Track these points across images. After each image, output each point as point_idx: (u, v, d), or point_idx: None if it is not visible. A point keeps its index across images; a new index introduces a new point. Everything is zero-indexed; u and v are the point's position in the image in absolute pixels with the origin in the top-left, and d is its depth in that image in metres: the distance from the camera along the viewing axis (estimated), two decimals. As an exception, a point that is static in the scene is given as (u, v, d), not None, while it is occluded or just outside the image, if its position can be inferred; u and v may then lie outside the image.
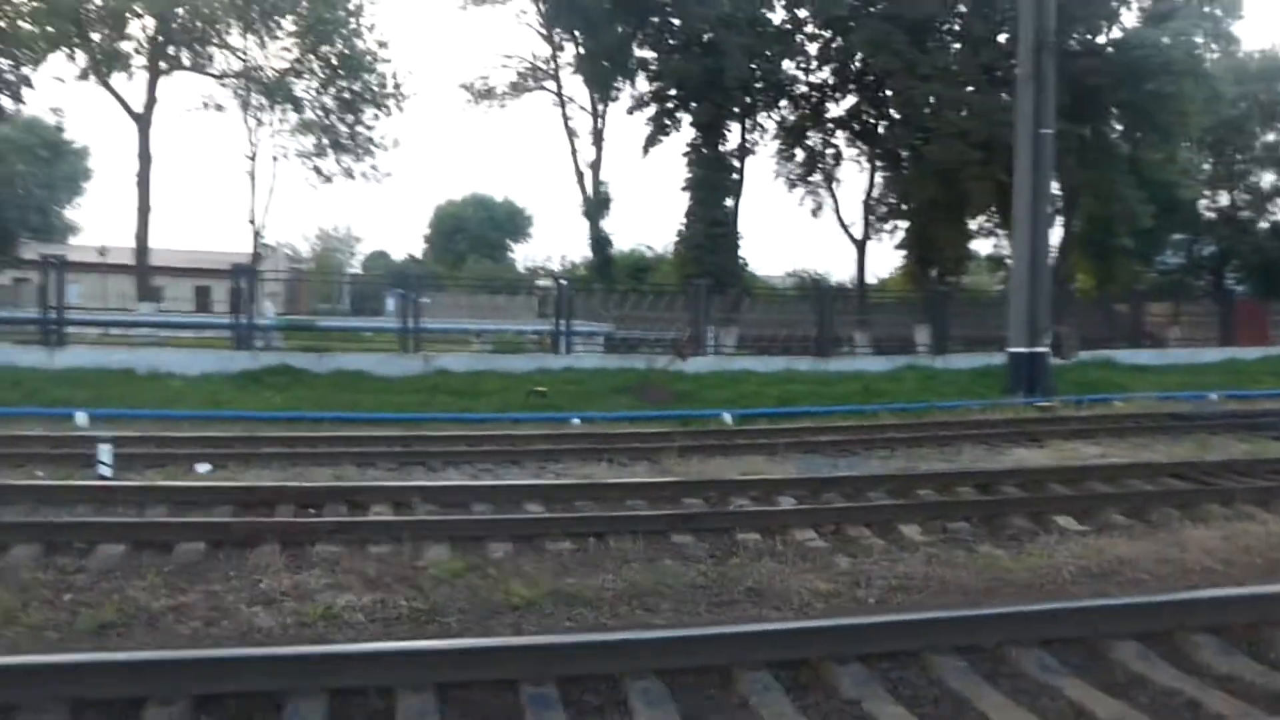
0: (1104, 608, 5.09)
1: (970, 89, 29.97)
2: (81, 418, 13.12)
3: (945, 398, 18.24)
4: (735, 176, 33.43)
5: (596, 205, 34.03)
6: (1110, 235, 32.91)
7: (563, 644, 4.51)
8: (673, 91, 32.76)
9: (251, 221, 34.07)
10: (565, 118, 34.46)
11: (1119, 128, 31.77)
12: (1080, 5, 27.83)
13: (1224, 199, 39.24)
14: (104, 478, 8.90)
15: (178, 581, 6.08)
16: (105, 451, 9.15)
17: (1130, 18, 31.83)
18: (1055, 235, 20.81)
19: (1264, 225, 38.77)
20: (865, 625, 4.77)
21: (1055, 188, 20.17)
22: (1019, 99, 19.54)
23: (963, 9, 30.87)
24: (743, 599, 6.17)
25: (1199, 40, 31.27)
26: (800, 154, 36.00)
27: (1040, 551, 7.24)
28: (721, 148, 33.20)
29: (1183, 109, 29.80)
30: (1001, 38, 30.58)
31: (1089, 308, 30.14)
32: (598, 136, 34.08)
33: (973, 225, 35.50)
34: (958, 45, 31.17)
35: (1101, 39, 31.07)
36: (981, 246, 39.97)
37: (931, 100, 29.50)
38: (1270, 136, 37.93)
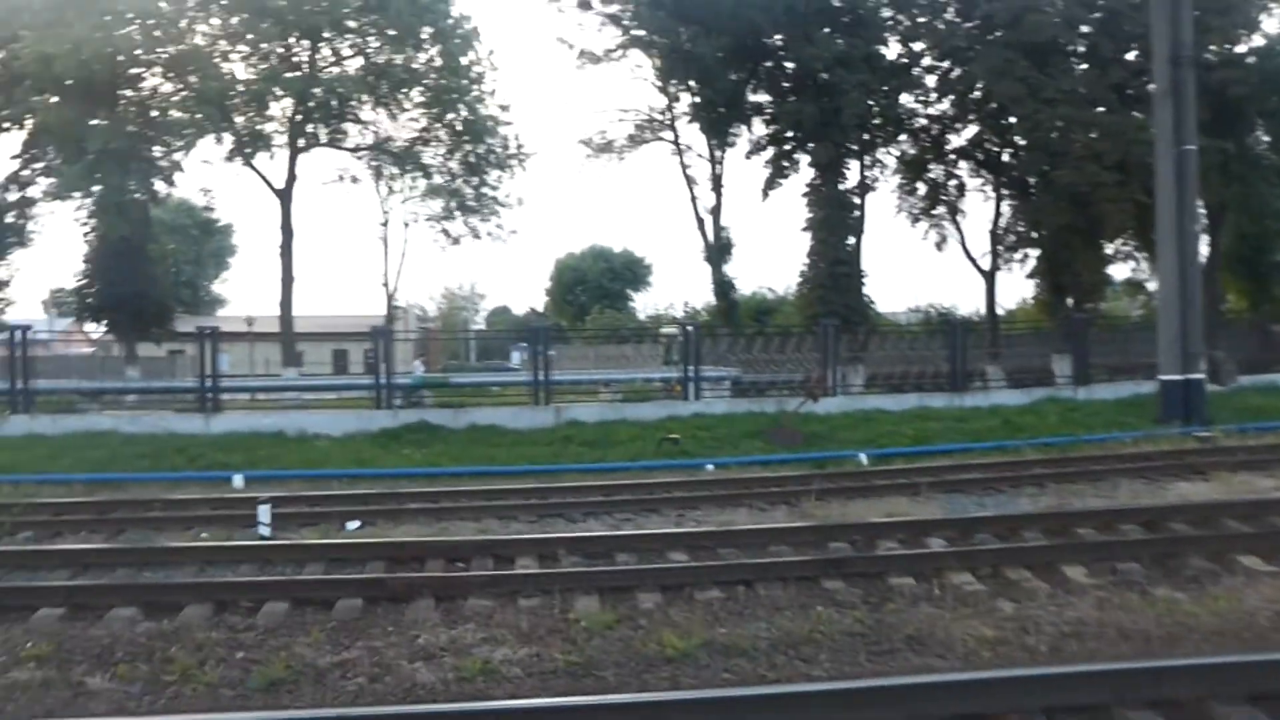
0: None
1: (1100, 109, 28.95)
2: (238, 480, 13.76)
3: (1092, 430, 17.35)
4: (856, 214, 33.02)
5: (718, 250, 34.12)
6: (1262, 252, 31.10)
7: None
8: (790, 133, 32.71)
9: (385, 284, 35.50)
10: (684, 166, 34.78)
11: (1265, 139, 30.13)
12: (1217, 15, 26.67)
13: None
14: (264, 537, 9.27)
15: (340, 638, 6.24)
16: (264, 512, 9.54)
17: (1271, 24, 30.39)
18: (1202, 254, 19.68)
19: None
20: (1048, 676, 4.48)
21: (1199, 205, 19.14)
22: (1156, 116, 18.73)
23: (1087, 29, 29.92)
24: (903, 647, 5.93)
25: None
26: (922, 187, 35.33)
27: (1226, 595, 6.73)
28: (841, 186, 32.87)
29: (1333, 116, 28.19)
30: (1131, 55, 29.51)
31: (1244, 330, 28.43)
32: (716, 182, 34.27)
33: (1109, 249, 34.05)
34: (1084, 66, 30.18)
35: (1241, 48, 29.65)
36: (1118, 271, 38.25)
37: (1059, 124, 28.60)
38: None
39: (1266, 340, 27.93)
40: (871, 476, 13.01)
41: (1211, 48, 27.06)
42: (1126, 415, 18.66)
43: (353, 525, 10.22)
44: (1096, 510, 9.59)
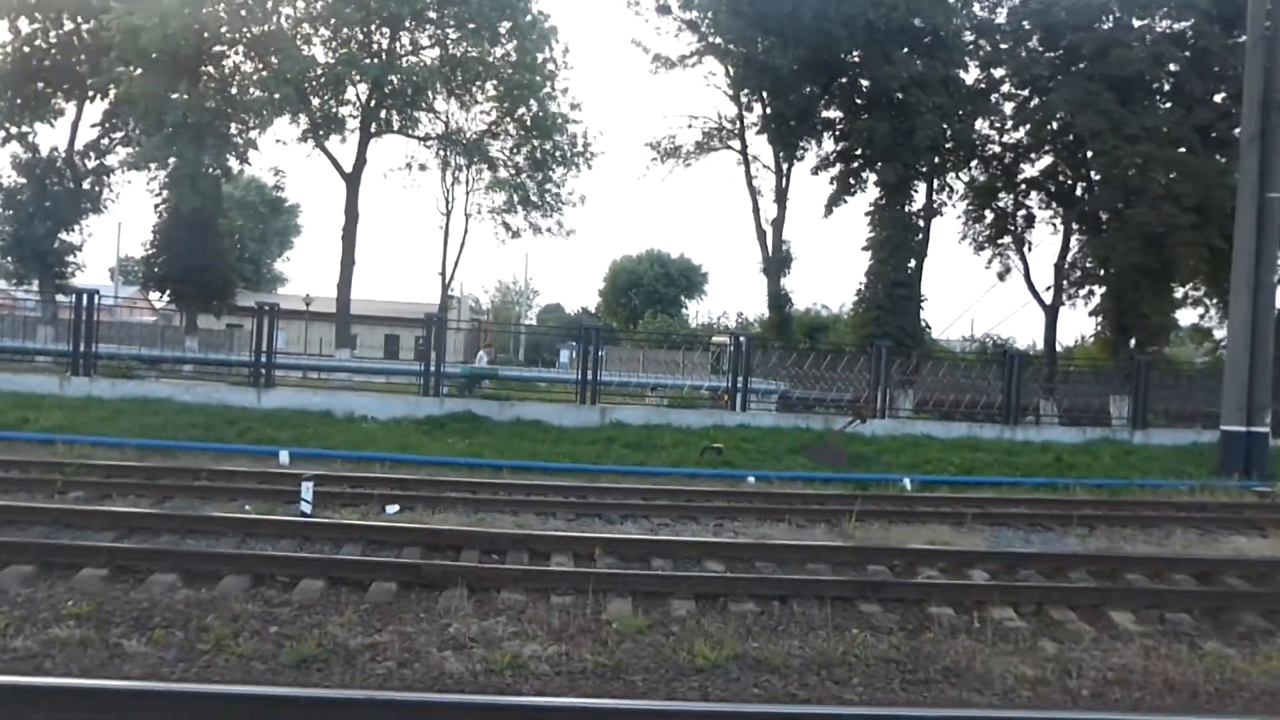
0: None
1: (1182, 150, 28.26)
2: (284, 456, 13.96)
3: (1147, 475, 16.93)
4: (920, 237, 32.57)
5: (778, 263, 33.86)
6: (1337, 307, 30.06)
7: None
8: (859, 151, 32.38)
9: (441, 274, 35.79)
10: (749, 176, 34.56)
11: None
12: None
13: None
14: (305, 514, 9.37)
15: (373, 620, 6.27)
16: (307, 489, 9.64)
17: None
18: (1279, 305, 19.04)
19: None
20: (1089, 722, 4.33)
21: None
22: (1242, 160, 18.26)
23: (1175, 67, 29.23)
24: (939, 678, 5.82)
25: None
26: (989, 215, 34.74)
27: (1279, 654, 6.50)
28: (907, 208, 32.46)
29: None
30: (1219, 97, 28.78)
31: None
32: (781, 195, 34.00)
33: (1178, 293, 33.18)
34: (1169, 104, 29.49)
35: None
36: (1185, 316, 37.24)
37: (1139, 161, 27.94)
38: None
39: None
40: (914, 502, 12.82)
41: None
42: (1184, 463, 18.18)
43: (392, 509, 10.29)
44: (1147, 556, 9.32)
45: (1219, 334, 33.93)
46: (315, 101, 28.65)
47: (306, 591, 6.74)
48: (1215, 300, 33.63)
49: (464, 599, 6.74)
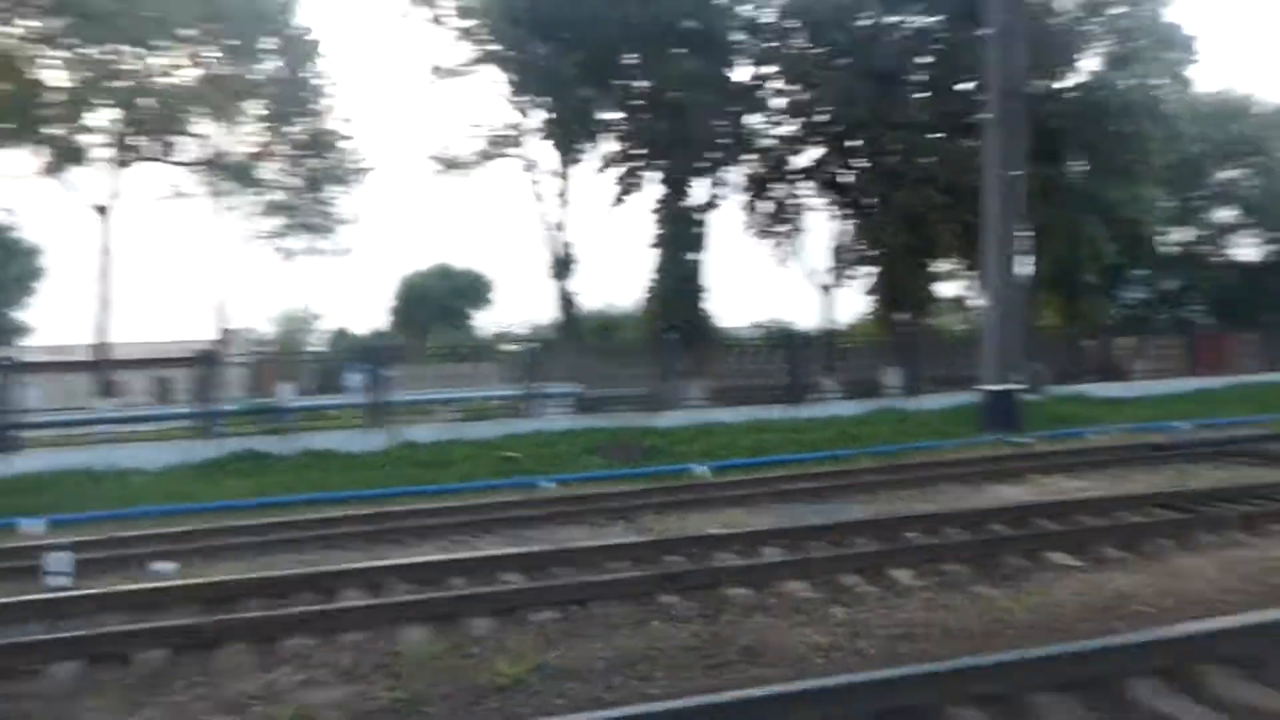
0: (1120, 646, 4.86)
1: (938, 135, 30.51)
2: (34, 525, 12.57)
3: (920, 439, 18.10)
4: (703, 230, 33.55)
5: (563, 265, 33.99)
6: (1076, 273, 33.39)
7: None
8: (640, 150, 32.99)
9: (216, 307, 33.71)
10: (533, 182, 34.57)
11: (1084, 169, 32.42)
12: (1044, 53, 28.52)
13: (1184, 234, 40.01)
14: (59, 589, 8.44)
15: (137, 696, 5.69)
16: (61, 560, 8.70)
17: (1093, 63, 32.74)
18: (1028, 273, 20.98)
19: (1221, 259, 39.55)
20: (875, 682, 4.49)
21: (1024, 228, 20.32)
22: (987, 143, 19.86)
23: (929, 59, 31.51)
24: (738, 659, 5.90)
25: (1155, 82, 32.16)
26: (767, 205, 36.28)
27: (1038, 590, 7.05)
28: (688, 203, 33.37)
29: (1143, 149, 30.69)
30: (967, 86, 31.26)
31: (1058, 344, 30.35)
32: (564, 197, 34.21)
33: (940, 268, 35.86)
34: (925, 94, 31.75)
35: (1066, 83, 31.86)
36: (950, 288, 40.39)
37: (900, 148, 29.99)
38: (1225, 174, 38.85)
39: (1077, 354, 29.94)
40: (710, 489, 13.10)
41: (1039, 82, 28.90)
42: (952, 424, 19.55)
43: (166, 567, 9.47)
44: (922, 515, 9.88)
45: (976, 303, 36.98)
46: (54, 131, 26.16)
47: (58, 678, 6.03)
48: (975, 273, 36.60)
49: (244, 653, 6.27)
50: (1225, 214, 39.39)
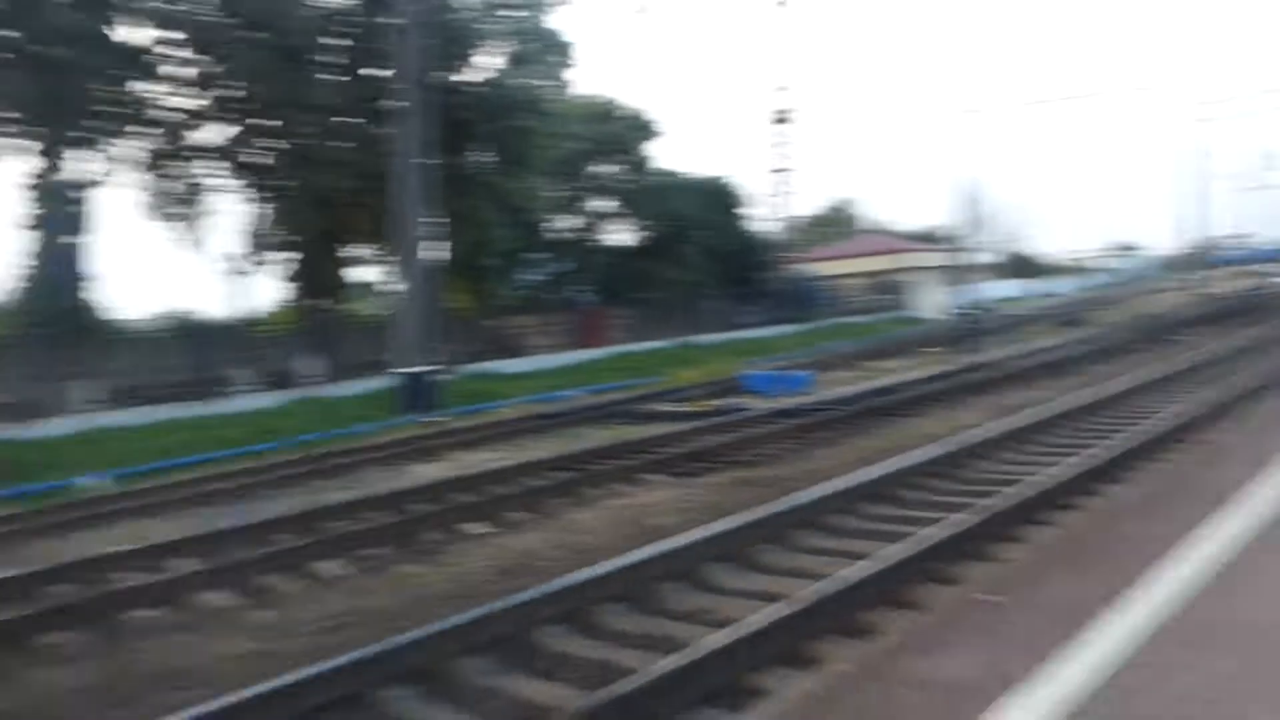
0: (524, 602, 5.38)
1: (352, 120, 30.07)
2: None
3: (341, 426, 18.08)
4: (85, 209, 29.19)
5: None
6: (480, 257, 35.64)
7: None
8: (9, 114, 27.51)
9: None
10: None
11: (487, 159, 34.50)
12: (451, 47, 29.56)
13: (571, 222, 44.88)
14: None
15: None
16: None
17: (497, 60, 34.77)
18: (442, 259, 21.91)
19: (601, 244, 45.22)
20: (296, 684, 4.41)
21: (439, 215, 21.16)
22: (400, 132, 20.29)
23: (345, 42, 30.78)
24: (151, 689, 5.37)
25: (540, 83, 35.34)
26: (171, 185, 32.77)
27: (455, 560, 7.52)
28: (64, 178, 28.75)
29: (534, 143, 33.61)
30: (382, 72, 31.30)
31: (467, 325, 32.16)
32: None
33: (357, 254, 35.74)
34: (343, 78, 31.00)
35: (472, 78, 33.42)
36: (369, 274, 40.52)
37: (316, 131, 29.00)
38: (600, 169, 44.28)
39: (483, 334, 32.12)
40: (111, 501, 11.72)
41: (450, 75, 30.00)
42: (372, 408, 19.82)
43: None
44: (344, 502, 9.87)
45: (388, 289, 37.76)
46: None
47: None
48: (391, 257, 37.22)
49: None
50: (604, 204, 44.98)
